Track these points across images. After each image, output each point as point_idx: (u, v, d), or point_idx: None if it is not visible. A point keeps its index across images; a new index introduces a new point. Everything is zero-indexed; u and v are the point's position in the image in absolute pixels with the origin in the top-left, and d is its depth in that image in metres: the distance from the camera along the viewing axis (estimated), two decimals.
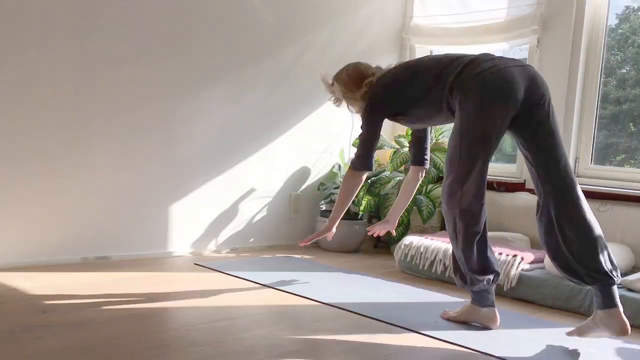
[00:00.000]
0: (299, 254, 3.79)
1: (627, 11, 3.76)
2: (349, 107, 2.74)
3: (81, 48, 3.02)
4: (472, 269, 2.32)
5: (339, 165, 4.18)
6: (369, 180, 3.90)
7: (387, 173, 3.98)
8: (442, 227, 4.02)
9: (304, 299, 2.67)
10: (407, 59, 4.48)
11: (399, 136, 4.06)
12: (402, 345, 2.12)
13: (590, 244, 2.19)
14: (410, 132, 2.99)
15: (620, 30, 3.78)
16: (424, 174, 2.88)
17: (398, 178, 3.91)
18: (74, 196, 3.07)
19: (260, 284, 2.88)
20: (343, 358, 1.94)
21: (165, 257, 3.40)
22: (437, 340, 2.18)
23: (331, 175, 4.19)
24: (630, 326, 2.52)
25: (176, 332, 2.12)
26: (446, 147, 4.02)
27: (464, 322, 2.41)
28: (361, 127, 2.53)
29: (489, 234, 3.55)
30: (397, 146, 3.99)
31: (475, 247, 2.31)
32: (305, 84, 3.99)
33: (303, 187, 4.09)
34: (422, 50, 4.48)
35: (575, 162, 3.70)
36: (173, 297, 2.57)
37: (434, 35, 4.31)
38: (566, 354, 2.13)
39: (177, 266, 3.20)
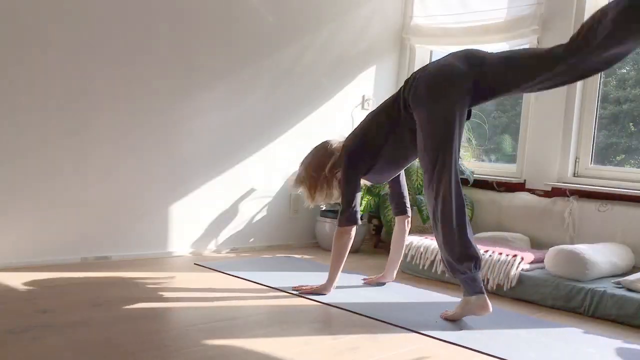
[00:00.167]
0: (299, 254, 3.80)
1: None
2: (325, 199, 2.83)
3: (81, 48, 3.02)
4: (453, 256, 2.35)
5: None
6: None
7: None
8: None
9: (304, 299, 2.67)
10: (407, 59, 4.49)
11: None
12: (402, 345, 2.12)
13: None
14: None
15: None
16: (409, 222, 3.00)
17: None
18: (74, 196, 3.06)
19: (260, 284, 2.88)
20: (343, 358, 1.94)
21: (165, 257, 3.40)
22: (437, 340, 2.18)
23: None
24: (630, 326, 2.54)
25: (176, 332, 2.12)
26: None
27: (460, 317, 2.42)
28: (340, 187, 2.69)
29: (489, 234, 3.58)
30: None
31: (456, 235, 2.35)
32: (305, 84, 4.00)
33: None
34: (422, 50, 4.49)
35: (575, 162, 3.70)
36: (173, 297, 2.57)
37: (434, 35, 4.31)
38: (566, 353, 2.13)
39: (177, 266, 3.20)
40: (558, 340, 2.27)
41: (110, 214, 3.20)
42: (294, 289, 2.78)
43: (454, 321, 2.41)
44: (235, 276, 3.01)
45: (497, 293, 2.98)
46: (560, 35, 3.67)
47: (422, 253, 3.29)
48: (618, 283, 2.74)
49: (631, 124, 3.69)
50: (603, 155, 3.72)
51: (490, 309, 2.37)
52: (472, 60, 2.39)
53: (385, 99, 2.78)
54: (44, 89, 2.92)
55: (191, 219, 3.53)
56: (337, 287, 2.79)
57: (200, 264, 3.25)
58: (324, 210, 4.06)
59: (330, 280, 2.74)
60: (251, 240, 3.86)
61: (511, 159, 4.12)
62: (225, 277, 3.00)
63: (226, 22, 3.57)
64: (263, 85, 3.78)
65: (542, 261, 3.06)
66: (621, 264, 3.05)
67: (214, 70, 3.54)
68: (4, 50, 2.79)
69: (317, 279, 2.93)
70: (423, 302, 2.75)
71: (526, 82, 2.30)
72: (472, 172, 3.96)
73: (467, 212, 3.72)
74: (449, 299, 2.83)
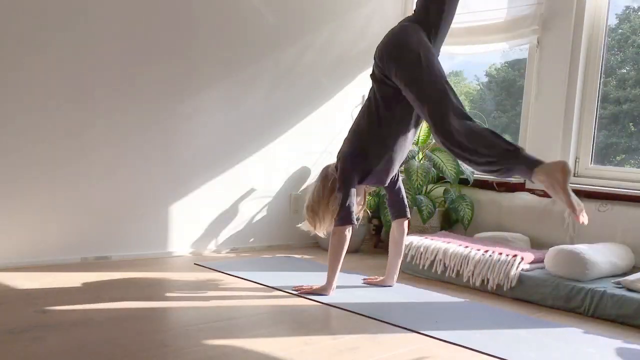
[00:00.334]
0: (299, 254, 3.80)
1: (627, 11, 3.76)
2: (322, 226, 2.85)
3: (81, 48, 3.02)
4: (502, 148, 2.32)
5: None
6: None
7: None
8: (442, 227, 4.02)
9: (304, 299, 2.67)
10: None
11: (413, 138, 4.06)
12: (402, 345, 2.12)
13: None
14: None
15: (620, 30, 3.78)
16: (407, 224, 2.99)
17: None
18: (74, 196, 3.07)
19: (260, 284, 2.88)
20: (343, 358, 1.94)
21: (165, 257, 3.40)
22: (437, 340, 2.18)
23: None
24: (630, 326, 2.54)
25: (176, 332, 2.12)
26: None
27: (553, 187, 2.22)
28: (337, 192, 2.71)
29: (489, 234, 3.58)
30: None
31: (489, 137, 2.34)
32: (305, 84, 4.00)
33: (303, 187, 4.09)
34: None
35: (575, 162, 3.70)
36: (173, 297, 2.57)
37: None
38: (566, 353, 2.13)
39: (177, 266, 3.20)
40: (558, 340, 2.27)
41: (110, 214, 3.20)
42: (294, 289, 2.78)
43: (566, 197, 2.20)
44: (235, 276, 3.01)
45: (497, 293, 2.98)
46: (561, 35, 3.67)
47: (422, 253, 3.29)
48: (618, 283, 2.74)
49: (631, 124, 3.68)
50: (603, 155, 3.72)
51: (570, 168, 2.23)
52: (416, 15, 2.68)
53: None
54: (43, 89, 2.92)
55: (191, 219, 3.53)
56: (337, 287, 2.79)
57: (200, 264, 3.25)
58: None
59: (330, 280, 2.74)
60: (251, 240, 3.86)
61: None
62: (225, 277, 3.00)
63: (226, 22, 3.57)
64: (263, 85, 3.78)
65: (542, 261, 3.06)
66: (621, 264, 3.05)
67: (214, 70, 3.54)
68: (4, 50, 2.79)
69: (317, 279, 2.93)
70: (423, 302, 2.75)
71: None
72: (472, 172, 3.96)
73: (467, 212, 3.76)
74: (449, 299, 2.83)
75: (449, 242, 3.29)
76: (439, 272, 3.21)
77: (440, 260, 3.20)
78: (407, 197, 3.70)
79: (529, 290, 2.88)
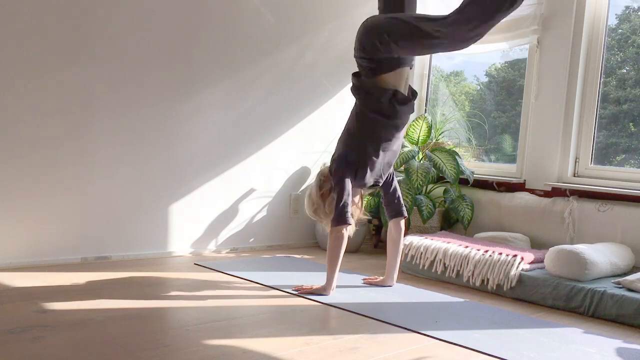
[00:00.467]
0: (299, 254, 3.80)
1: (627, 11, 3.76)
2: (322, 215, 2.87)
3: (81, 49, 3.02)
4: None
5: None
6: None
7: None
8: (442, 227, 4.02)
9: (304, 299, 2.67)
10: None
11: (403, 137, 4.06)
12: (402, 345, 2.12)
13: None
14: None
15: (620, 30, 3.78)
16: (404, 223, 3.01)
17: (398, 178, 3.90)
18: (74, 196, 3.07)
19: (260, 284, 2.88)
20: (343, 358, 1.94)
21: (165, 257, 3.40)
22: (437, 340, 2.18)
23: None
24: (630, 326, 2.54)
25: (176, 332, 2.12)
26: (446, 147, 4.03)
27: None
28: (334, 192, 2.73)
29: (489, 234, 3.58)
30: None
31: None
32: (305, 84, 4.00)
33: (303, 187, 4.09)
34: None
35: (575, 162, 3.70)
36: (173, 297, 2.57)
37: None
38: (566, 353, 2.13)
39: (177, 266, 3.20)
40: (558, 340, 2.27)
41: (110, 214, 3.20)
42: (294, 289, 2.78)
43: None
44: (235, 276, 3.01)
45: (497, 293, 2.98)
46: (561, 35, 3.68)
47: (422, 253, 3.29)
48: (618, 283, 2.74)
49: (631, 124, 3.68)
50: (603, 155, 3.72)
51: None
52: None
53: None
54: (44, 89, 2.92)
55: (191, 219, 3.53)
56: (337, 287, 2.79)
57: (200, 264, 3.25)
58: None
59: (329, 281, 2.74)
60: (251, 240, 3.86)
61: (511, 159, 4.12)
62: (225, 277, 3.00)
63: (227, 23, 3.57)
64: (263, 85, 3.78)
65: (542, 261, 3.06)
66: (621, 264, 3.05)
67: (215, 70, 3.54)
68: (4, 51, 2.79)
69: (317, 279, 2.93)
70: (423, 302, 2.75)
71: None
72: (472, 172, 3.96)
73: (467, 212, 3.75)
74: (449, 299, 2.83)
75: (449, 242, 3.29)
76: (439, 272, 3.21)
77: (440, 260, 3.21)
78: (407, 197, 3.72)
79: (529, 290, 2.88)
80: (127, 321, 2.17)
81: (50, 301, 2.35)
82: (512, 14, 3.84)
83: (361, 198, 2.97)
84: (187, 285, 2.78)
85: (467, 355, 2.06)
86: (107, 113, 3.14)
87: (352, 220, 2.74)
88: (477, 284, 3.04)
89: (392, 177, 2.98)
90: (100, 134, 3.13)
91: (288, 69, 3.90)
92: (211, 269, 3.15)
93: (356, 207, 2.92)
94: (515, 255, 3.02)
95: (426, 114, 4.21)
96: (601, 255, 2.92)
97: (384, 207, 3.05)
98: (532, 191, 3.80)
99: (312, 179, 4.13)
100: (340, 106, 4.19)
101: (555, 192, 3.69)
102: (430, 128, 4.06)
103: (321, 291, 2.73)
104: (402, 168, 3.94)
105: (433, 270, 3.23)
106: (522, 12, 3.84)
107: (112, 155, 3.18)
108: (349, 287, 2.92)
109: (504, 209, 3.81)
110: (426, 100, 4.52)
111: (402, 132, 2.88)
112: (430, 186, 4.06)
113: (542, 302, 2.83)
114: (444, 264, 3.19)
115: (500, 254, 3.06)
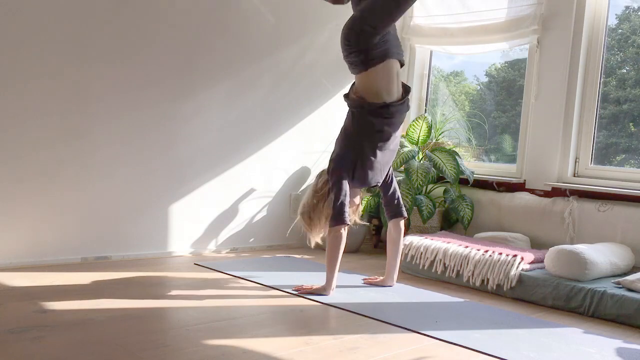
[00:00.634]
0: (299, 254, 3.80)
1: (627, 11, 3.76)
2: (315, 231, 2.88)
3: (81, 48, 3.02)
4: None
5: None
6: None
7: None
8: (442, 227, 4.02)
9: (304, 299, 2.67)
10: (407, 59, 4.48)
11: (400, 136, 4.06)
12: (402, 345, 2.12)
13: None
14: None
15: (620, 30, 3.78)
16: (403, 224, 3.01)
17: (398, 178, 3.91)
18: (74, 196, 3.07)
19: (260, 284, 2.88)
20: (343, 358, 1.94)
21: (165, 257, 3.40)
22: (437, 340, 2.18)
23: None
24: (630, 326, 2.54)
25: (176, 332, 2.12)
26: (446, 147, 4.03)
27: None
28: (331, 192, 2.75)
29: (489, 234, 3.58)
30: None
31: None
32: (305, 84, 4.00)
33: (303, 187, 4.09)
34: (422, 50, 4.49)
35: (575, 162, 3.70)
36: (173, 297, 2.57)
37: (434, 35, 4.31)
38: (566, 353, 2.13)
39: (177, 266, 3.20)
40: (558, 340, 2.27)
41: (110, 214, 3.20)
42: (294, 289, 2.78)
43: None
44: (235, 276, 3.01)
45: (497, 293, 2.98)
46: (561, 35, 3.68)
47: (422, 253, 3.29)
48: (618, 283, 2.74)
49: (631, 124, 3.68)
50: (603, 155, 3.72)
51: None
52: None
53: None
54: (44, 89, 2.92)
55: (191, 219, 3.53)
56: (337, 287, 2.79)
57: (200, 264, 3.25)
58: None
59: (329, 281, 2.74)
60: (251, 240, 3.86)
61: (511, 159, 4.12)
62: (225, 277, 3.00)
63: (227, 23, 3.57)
64: (263, 85, 3.78)
65: (542, 261, 3.06)
66: (621, 264, 3.05)
67: (215, 70, 3.54)
68: (5, 51, 2.79)
69: (317, 279, 2.93)
70: (423, 302, 2.75)
71: None
72: (472, 172, 3.96)
73: (467, 212, 3.77)
74: (449, 299, 2.83)
75: (449, 242, 3.29)
76: (439, 272, 3.21)
77: (440, 260, 3.21)
78: (407, 197, 3.72)
79: (529, 290, 2.88)
80: (127, 321, 2.17)
81: (50, 301, 2.35)
82: (512, 14, 3.87)
83: (361, 198, 2.97)
84: (187, 285, 2.78)
85: (467, 355, 2.06)
86: (107, 113, 3.14)
87: (350, 220, 2.74)
88: (477, 284, 3.04)
89: (392, 178, 2.99)
90: (100, 134, 3.13)
91: (288, 69, 3.90)
92: (211, 269, 3.15)
93: (352, 212, 2.93)
94: (515, 255, 3.02)
95: (426, 114, 4.21)
96: (601, 255, 2.92)
97: (383, 207, 3.05)
98: (532, 191, 3.80)
99: (312, 179, 4.13)
100: (340, 106, 4.17)
101: (555, 192, 3.69)
102: (430, 128, 4.06)
103: (321, 291, 2.73)
104: (402, 168, 3.94)
105: (433, 270, 3.23)
106: (522, 12, 3.84)
107: (112, 156, 3.18)
108: (349, 287, 2.92)
109: (504, 209, 3.81)
110: (426, 100, 4.52)
111: (399, 131, 2.89)
112: (430, 186, 4.06)
113: (542, 302, 2.83)
114: (444, 264, 3.19)
115: (500, 254, 3.06)
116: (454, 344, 2.15)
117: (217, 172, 3.63)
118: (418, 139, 4.08)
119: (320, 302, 2.61)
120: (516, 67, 4.25)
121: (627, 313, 2.56)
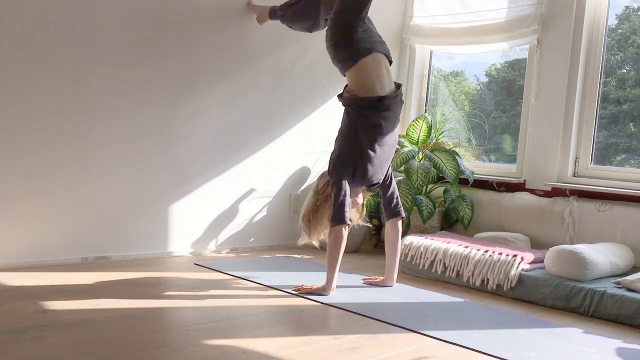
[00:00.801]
0: (299, 254, 3.80)
1: (627, 11, 3.76)
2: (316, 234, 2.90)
3: (82, 48, 3.02)
4: None
5: None
6: None
7: None
8: (442, 227, 4.02)
9: (304, 299, 2.67)
10: (407, 59, 4.49)
11: (400, 136, 4.06)
12: (402, 345, 2.12)
13: None
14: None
15: (620, 30, 3.78)
16: (401, 224, 3.03)
17: (398, 178, 3.91)
18: (74, 196, 3.07)
19: (260, 284, 2.88)
20: (343, 358, 1.94)
21: (165, 257, 3.40)
22: (437, 340, 2.18)
23: None
24: (630, 326, 2.54)
25: (176, 332, 2.12)
26: (446, 147, 4.03)
27: None
28: (332, 192, 2.75)
29: (489, 234, 3.58)
30: (397, 146, 3.99)
31: None
32: (305, 84, 4.00)
33: (303, 187, 4.09)
34: (422, 50, 4.49)
35: (575, 162, 3.70)
36: (173, 297, 2.57)
37: (434, 36, 4.31)
38: (566, 353, 2.13)
39: (177, 266, 3.20)
40: (558, 340, 2.27)
41: (110, 214, 3.20)
42: (294, 289, 2.78)
43: None
44: (235, 276, 3.01)
45: (497, 293, 2.98)
46: (561, 35, 3.68)
47: (422, 253, 3.29)
48: (618, 283, 2.74)
49: (631, 124, 3.69)
50: (603, 155, 3.72)
51: None
52: None
53: None
54: (44, 89, 2.92)
55: (191, 219, 3.53)
56: (337, 287, 2.79)
57: (200, 264, 3.25)
58: None
59: (329, 281, 2.74)
60: (251, 240, 3.86)
61: (511, 159, 4.12)
62: (225, 277, 3.00)
63: (226, 22, 3.57)
64: (263, 85, 3.78)
65: (542, 261, 3.06)
66: (621, 264, 3.05)
67: (215, 70, 3.54)
68: (5, 51, 2.79)
69: (317, 279, 2.93)
70: (423, 302, 2.75)
71: None
72: (472, 172, 3.96)
73: (467, 212, 3.79)
74: (449, 299, 2.83)
75: (449, 242, 3.29)
76: (439, 272, 3.21)
77: (440, 260, 3.21)
78: (407, 197, 3.72)
79: (529, 290, 2.88)
80: (127, 321, 2.17)
81: (50, 301, 2.35)
82: (512, 14, 3.87)
83: (363, 199, 2.97)
84: (187, 285, 2.78)
85: (467, 355, 2.06)
86: (108, 113, 3.14)
87: (350, 221, 2.74)
88: (477, 284, 3.04)
89: (391, 178, 2.99)
90: (100, 134, 3.13)
91: (288, 69, 3.90)
92: (211, 269, 3.15)
93: (356, 211, 2.93)
94: (515, 255, 3.02)
95: (426, 114, 4.21)
96: (601, 255, 2.92)
97: (382, 206, 3.06)
98: (532, 191, 3.80)
99: (312, 179, 4.13)
100: (340, 106, 4.18)
101: (555, 192, 3.69)
102: (430, 128, 4.06)
103: (321, 291, 2.73)
104: (402, 168, 3.94)
105: (433, 270, 3.23)
106: (522, 12, 3.84)
107: (112, 156, 3.18)
108: (349, 287, 2.92)
109: (504, 209, 3.81)
110: (426, 100, 4.52)
111: (397, 128, 2.90)
112: (430, 186, 4.06)
113: (542, 302, 2.83)
114: (444, 264, 3.19)
115: (500, 254, 3.06)
116: (454, 344, 2.15)
117: (217, 172, 3.63)
118: (418, 139, 4.08)
119: (320, 302, 2.61)
120: (516, 67, 4.25)
121: (627, 313, 2.56)
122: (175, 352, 1.89)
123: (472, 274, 3.06)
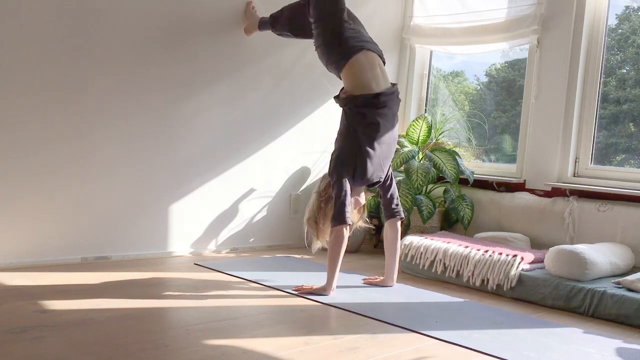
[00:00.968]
0: (299, 254, 3.80)
1: (627, 11, 3.76)
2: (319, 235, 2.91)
3: (82, 48, 3.02)
4: None
5: None
6: None
7: None
8: (442, 227, 4.02)
9: (304, 299, 2.67)
10: (407, 59, 4.49)
11: (400, 136, 4.06)
12: (402, 345, 2.12)
13: None
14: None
15: (620, 30, 3.78)
16: (400, 224, 3.03)
17: (398, 178, 3.91)
18: (74, 196, 3.07)
19: (260, 284, 2.88)
20: (343, 358, 1.94)
21: (165, 257, 3.40)
22: (437, 340, 2.18)
23: None
24: (630, 326, 2.54)
25: (176, 332, 2.12)
26: (446, 147, 4.03)
27: None
28: (332, 192, 2.77)
29: (489, 234, 3.58)
30: (397, 146, 3.99)
31: None
32: (305, 84, 4.00)
33: (303, 187, 4.09)
34: (422, 50, 4.49)
35: (575, 162, 3.70)
36: (173, 297, 2.57)
37: (434, 36, 4.31)
38: (566, 353, 2.13)
39: (177, 266, 3.20)
40: (558, 340, 2.27)
41: (110, 214, 3.20)
42: (294, 289, 2.78)
43: None
44: (235, 276, 3.01)
45: (497, 293, 2.98)
46: (561, 35, 3.68)
47: (422, 253, 3.29)
48: (618, 283, 2.74)
49: (631, 124, 3.69)
50: (603, 155, 3.72)
51: None
52: None
53: None
54: (44, 88, 2.92)
55: (191, 219, 3.53)
56: (337, 287, 2.79)
57: (200, 264, 3.25)
58: None
59: (329, 280, 2.74)
60: (251, 240, 3.86)
61: (511, 159, 4.12)
62: (225, 277, 3.00)
63: (226, 22, 3.57)
64: (263, 85, 3.78)
65: (542, 261, 3.06)
66: (621, 264, 3.05)
67: (215, 70, 3.54)
68: (4, 51, 2.79)
69: (317, 279, 2.94)
70: (423, 302, 2.75)
71: None
72: (472, 172, 3.96)
73: (467, 212, 3.79)
74: (449, 299, 2.83)
75: (449, 242, 3.29)
76: (439, 272, 3.21)
77: (440, 260, 3.21)
78: (407, 197, 3.72)
79: (529, 290, 2.88)
80: (127, 321, 2.17)
81: (50, 301, 2.35)
82: (512, 14, 3.87)
83: (365, 199, 2.97)
84: (187, 285, 2.78)
85: (467, 355, 2.06)
86: (108, 113, 3.14)
87: (350, 221, 2.74)
88: (477, 284, 3.04)
89: (391, 179, 2.99)
90: (100, 134, 3.13)
91: (288, 69, 3.90)
92: (211, 269, 3.15)
93: (357, 212, 2.93)
94: (515, 255, 3.02)
95: (426, 114, 4.21)
96: (601, 255, 2.93)
97: (382, 206, 3.06)
98: (532, 191, 3.80)
99: (312, 179, 4.13)
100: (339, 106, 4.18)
101: (555, 192, 3.69)
102: (430, 128, 4.06)
103: (321, 291, 2.73)
104: (402, 168, 3.94)
105: (433, 270, 3.23)
106: (522, 12, 3.84)
107: (112, 155, 3.18)
108: (349, 287, 2.92)
109: (504, 209, 3.81)
110: (426, 100, 4.52)
111: (396, 126, 2.90)
112: (430, 186, 4.06)
113: (542, 302, 2.83)
114: (444, 264, 3.19)
115: (500, 254, 3.06)
116: (454, 344, 2.15)
117: (217, 172, 3.63)
118: (418, 139, 4.08)
119: (320, 302, 2.61)
120: (516, 67, 4.25)
121: (627, 313, 2.56)
122: (175, 352, 1.89)
123: (472, 274, 3.06)
